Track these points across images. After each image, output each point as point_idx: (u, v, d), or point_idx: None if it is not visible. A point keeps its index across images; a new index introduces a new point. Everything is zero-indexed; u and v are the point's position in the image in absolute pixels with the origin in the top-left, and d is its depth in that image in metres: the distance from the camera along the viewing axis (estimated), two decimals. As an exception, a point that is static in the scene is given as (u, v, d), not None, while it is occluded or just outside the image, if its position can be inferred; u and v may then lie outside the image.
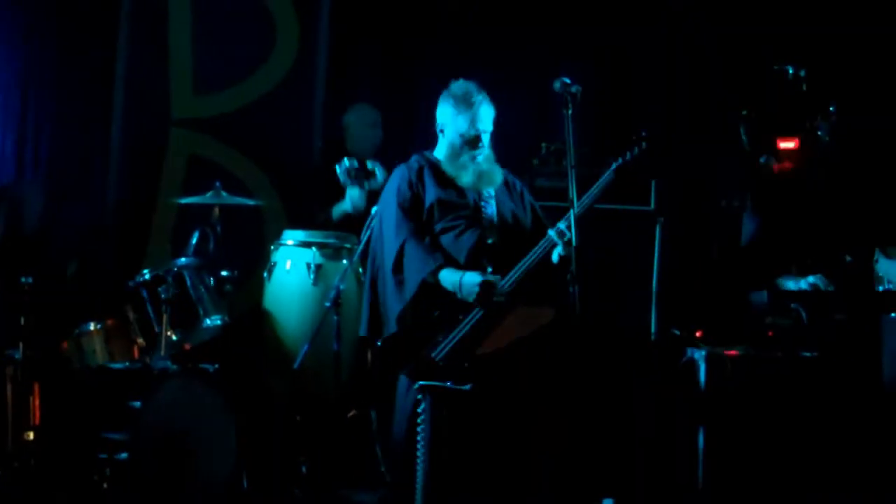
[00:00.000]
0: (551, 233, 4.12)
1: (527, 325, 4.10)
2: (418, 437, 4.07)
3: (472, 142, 4.37)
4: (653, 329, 4.83)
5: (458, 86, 4.48)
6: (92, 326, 5.16)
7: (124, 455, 4.74)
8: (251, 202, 5.74)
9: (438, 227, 4.31)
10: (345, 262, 5.18)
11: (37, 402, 4.79)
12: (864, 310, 4.65)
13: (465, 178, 4.38)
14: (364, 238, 4.72)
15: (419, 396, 4.10)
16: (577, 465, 4.40)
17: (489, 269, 4.18)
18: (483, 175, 4.39)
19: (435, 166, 4.43)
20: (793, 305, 4.59)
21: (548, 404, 4.20)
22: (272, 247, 5.55)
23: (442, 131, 4.47)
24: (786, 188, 5.04)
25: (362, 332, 4.52)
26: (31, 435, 4.78)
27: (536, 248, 4.15)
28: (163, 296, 5.05)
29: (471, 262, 4.22)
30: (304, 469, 5.18)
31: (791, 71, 5.05)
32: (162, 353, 5.06)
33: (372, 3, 6.72)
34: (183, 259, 5.24)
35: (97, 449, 4.76)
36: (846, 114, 5.36)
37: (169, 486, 4.74)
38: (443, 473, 4.09)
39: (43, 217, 6.02)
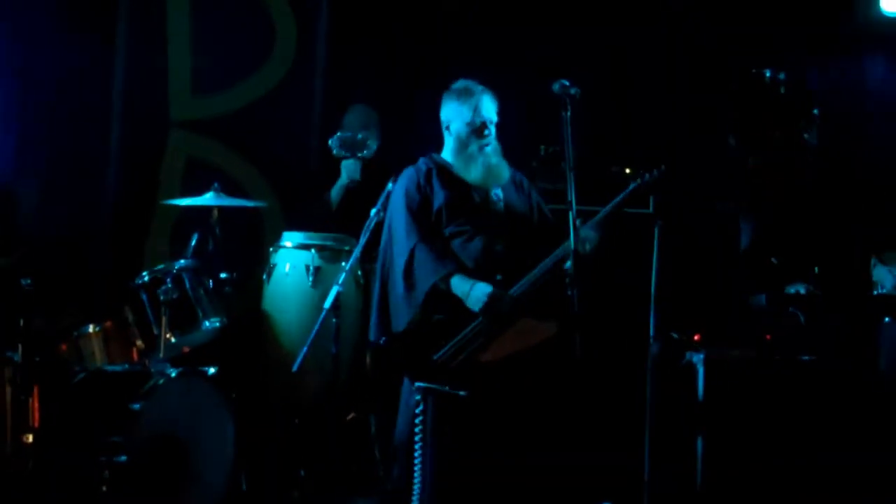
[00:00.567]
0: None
1: (529, 338, 4.10)
2: (416, 439, 4.07)
3: (479, 130, 4.37)
4: (651, 332, 4.83)
5: (459, 83, 4.52)
6: (91, 328, 5.15)
7: (123, 457, 4.73)
8: (250, 204, 5.74)
9: (447, 231, 4.31)
10: (343, 264, 5.17)
11: (35, 405, 4.78)
12: (861, 314, 4.66)
13: (474, 172, 4.37)
14: (363, 239, 4.72)
15: (418, 397, 4.11)
16: (576, 469, 4.41)
17: (498, 277, 4.17)
18: (492, 169, 4.38)
19: (442, 168, 4.43)
20: (790, 309, 4.60)
21: (546, 415, 4.20)
22: (271, 249, 5.55)
23: (447, 128, 4.47)
24: (777, 192, 5.04)
25: (372, 336, 4.52)
26: (30, 437, 4.77)
27: (547, 261, 4.15)
28: (162, 298, 5.04)
29: (479, 268, 4.22)
30: (302, 472, 5.18)
31: (769, 74, 5.05)
32: (161, 355, 5.06)
33: (370, 4, 6.73)
34: (182, 261, 5.24)
35: (96, 451, 4.75)
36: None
37: (167, 489, 4.74)
38: (441, 477, 4.10)
39: (39, 217, 6.03)
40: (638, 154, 5.95)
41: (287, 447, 5.28)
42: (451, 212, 4.33)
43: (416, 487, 4.10)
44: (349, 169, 5.71)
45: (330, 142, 5.68)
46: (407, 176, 4.46)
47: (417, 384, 4.08)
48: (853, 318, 4.62)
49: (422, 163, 4.48)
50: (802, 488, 4.43)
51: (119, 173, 6.42)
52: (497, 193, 4.42)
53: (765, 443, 4.45)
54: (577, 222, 4.05)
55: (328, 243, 5.41)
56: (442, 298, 4.16)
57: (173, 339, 5.09)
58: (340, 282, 4.71)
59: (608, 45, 6.81)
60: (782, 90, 4.95)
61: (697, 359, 4.45)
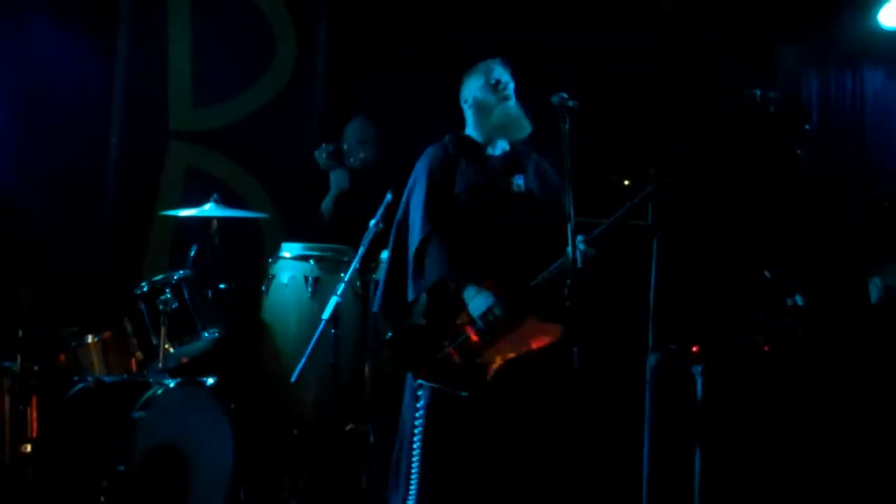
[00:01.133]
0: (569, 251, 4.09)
1: (533, 340, 4.10)
2: (415, 434, 4.08)
3: (495, 86, 4.37)
4: (650, 344, 4.83)
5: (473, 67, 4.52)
6: (90, 339, 5.16)
7: (122, 468, 4.72)
8: (249, 215, 5.75)
9: (465, 216, 4.26)
10: (342, 275, 5.18)
11: (34, 415, 4.78)
12: (859, 324, 4.67)
13: (495, 118, 4.33)
14: (361, 250, 4.72)
15: (419, 393, 4.11)
16: (574, 477, 4.40)
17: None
18: (512, 118, 4.35)
19: (468, 147, 4.39)
20: (788, 321, 4.62)
21: (546, 419, 4.20)
22: (270, 260, 5.56)
23: (467, 102, 4.44)
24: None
25: (375, 307, 4.47)
26: (29, 447, 4.77)
27: (544, 273, 4.15)
28: (161, 308, 5.04)
29: (494, 255, 4.20)
30: (301, 483, 5.18)
31: (759, 93, 5.06)
32: (160, 365, 5.06)
33: (370, 13, 6.75)
34: (181, 271, 5.24)
35: (94, 462, 4.75)
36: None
37: (166, 499, 4.73)
38: (438, 478, 4.11)
39: (38, 227, 6.03)
40: (638, 163, 5.96)
41: (286, 458, 5.27)
42: (471, 196, 4.28)
43: (412, 490, 4.10)
44: (338, 179, 5.74)
45: (315, 154, 5.71)
46: (431, 155, 4.39)
47: (419, 381, 4.09)
48: (848, 328, 4.63)
49: (448, 141, 4.43)
50: (799, 496, 4.43)
51: (119, 184, 6.43)
52: (519, 182, 4.38)
53: (763, 453, 4.45)
54: (579, 238, 4.05)
55: (327, 254, 5.42)
56: (447, 292, 4.17)
57: (172, 350, 5.09)
58: (339, 293, 4.72)
59: (609, 45, 6.86)
60: (772, 108, 4.96)
61: (696, 370, 4.44)
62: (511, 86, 4.41)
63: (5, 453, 4.76)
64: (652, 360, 4.80)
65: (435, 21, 6.75)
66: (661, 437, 4.69)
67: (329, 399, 5.03)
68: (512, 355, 4.08)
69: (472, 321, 4.13)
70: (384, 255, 4.91)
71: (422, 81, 6.66)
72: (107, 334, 5.18)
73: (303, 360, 4.67)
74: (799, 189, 4.98)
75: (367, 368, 5.13)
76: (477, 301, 4.13)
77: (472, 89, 4.46)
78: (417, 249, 4.17)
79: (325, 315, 4.72)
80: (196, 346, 5.23)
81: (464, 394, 4.04)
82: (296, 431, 5.31)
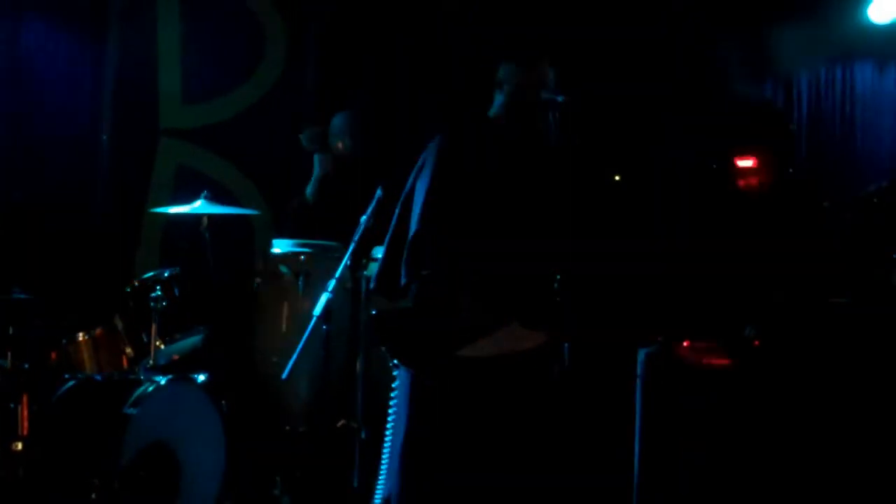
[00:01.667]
0: None
1: (516, 343, 4.10)
2: (388, 415, 4.08)
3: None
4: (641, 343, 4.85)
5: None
6: (80, 336, 5.15)
7: (113, 465, 4.72)
8: (240, 211, 5.75)
9: (467, 210, 4.23)
10: (334, 271, 5.18)
11: (25, 413, 4.76)
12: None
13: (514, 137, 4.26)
14: (352, 245, 4.71)
15: (395, 373, 4.11)
16: (563, 484, 4.42)
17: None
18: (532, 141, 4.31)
19: (492, 125, 4.31)
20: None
21: (531, 428, 4.20)
22: (260, 256, 5.55)
23: (499, 85, 4.36)
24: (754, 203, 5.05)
25: (372, 285, 4.44)
26: (20, 445, 4.75)
27: None
28: (151, 305, 5.04)
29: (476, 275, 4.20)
30: (292, 479, 5.18)
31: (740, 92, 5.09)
32: (151, 362, 5.06)
33: (362, 10, 6.75)
34: (171, 268, 5.24)
35: (86, 459, 4.74)
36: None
37: (157, 497, 4.73)
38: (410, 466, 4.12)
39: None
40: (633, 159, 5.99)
41: (277, 454, 5.27)
42: (477, 191, 4.21)
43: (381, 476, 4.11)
44: (321, 162, 5.78)
45: (301, 137, 5.75)
46: (451, 138, 4.25)
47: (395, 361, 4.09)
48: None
49: (465, 126, 4.34)
50: (792, 493, 4.44)
51: (109, 181, 6.43)
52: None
53: (754, 452, 4.45)
54: None
55: (318, 251, 5.41)
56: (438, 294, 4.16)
57: (163, 347, 5.09)
58: (330, 289, 4.70)
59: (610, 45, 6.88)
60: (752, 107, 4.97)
61: (685, 367, 4.45)
62: None
63: (-4, 451, 4.76)
64: (642, 355, 4.81)
65: (434, 21, 6.78)
66: (652, 433, 4.70)
67: (320, 395, 5.03)
68: (493, 354, 4.08)
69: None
70: (376, 251, 4.91)
71: (418, 79, 6.69)
72: (98, 332, 5.18)
73: (294, 357, 4.65)
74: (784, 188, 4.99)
75: (358, 364, 5.11)
76: None
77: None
78: (413, 241, 4.14)
79: (317, 311, 4.70)
80: (187, 343, 5.24)
81: (429, 382, 4.05)
82: (287, 428, 5.31)
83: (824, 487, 4.47)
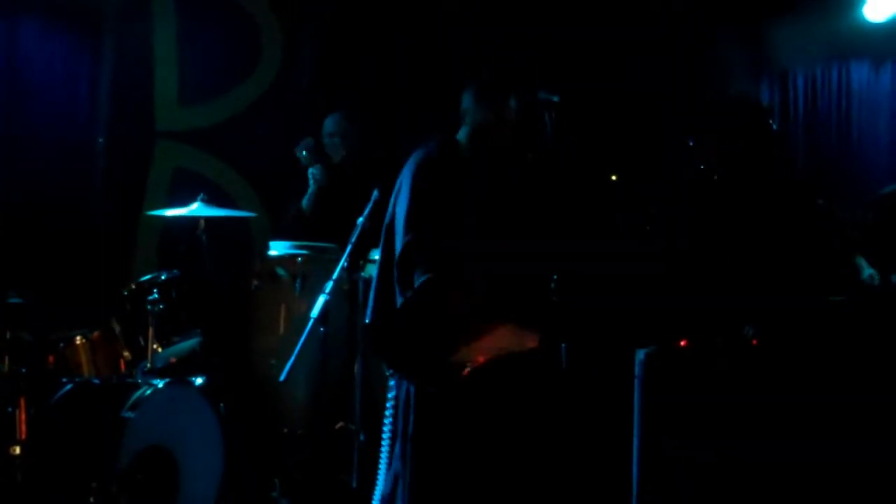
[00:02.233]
0: None
1: (510, 344, 4.10)
2: (384, 425, 4.10)
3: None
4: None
5: (487, 75, 4.46)
6: (78, 340, 5.14)
7: (111, 469, 4.71)
8: (237, 214, 5.74)
9: (446, 232, 4.26)
10: (331, 273, 5.17)
11: (23, 417, 4.76)
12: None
13: (480, 171, 4.31)
14: (349, 247, 4.71)
15: (391, 383, 4.12)
16: (562, 481, 4.41)
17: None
18: (498, 171, 4.34)
19: (458, 151, 4.34)
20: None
21: (529, 427, 4.21)
22: (258, 258, 5.55)
23: (463, 115, 4.40)
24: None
25: (368, 319, 4.47)
26: (17, 449, 4.75)
27: None
28: (149, 308, 5.03)
29: (469, 275, 4.22)
30: (291, 481, 5.18)
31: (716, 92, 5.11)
32: (148, 365, 5.05)
33: (360, 11, 6.76)
34: (169, 271, 5.23)
35: (84, 463, 4.74)
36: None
37: (155, 500, 4.73)
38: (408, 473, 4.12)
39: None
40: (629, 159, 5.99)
41: (275, 456, 5.27)
42: (455, 206, 4.25)
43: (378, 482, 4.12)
44: (316, 176, 5.77)
45: (296, 150, 5.75)
46: (419, 159, 4.29)
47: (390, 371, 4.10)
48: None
49: (435, 145, 4.36)
50: (791, 491, 4.44)
51: (106, 184, 6.43)
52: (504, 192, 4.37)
53: (758, 454, 4.44)
54: None
55: (315, 252, 5.41)
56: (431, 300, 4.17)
57: (160, 350, 5.08)
58: (328, 291, 4.71)
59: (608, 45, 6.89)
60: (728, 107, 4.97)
61: (683, 366, 4.45)
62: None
63: (-6, 455, 4.75)
64: (641, 355, 4.80)
65: (435, 21, 6.79)
66: (651, 433, 4.70)
67: (318, 397, 5.02)
68: (488, 357, 4.08)
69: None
70: (373, 253, 4.91)
71: (417, 79, 6.70)
72: (95, 335, 5.17)
73: (292, 359, 4.65)
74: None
75: (356, 366, 5.11)
76: None
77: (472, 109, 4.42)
78: (402, 253, 4.16)
79: (314, 313, 4.70)
80: (184, 346, 5.23)
81: (430, 390, 4.05)
82: (285, 430, 5.30)
83: (824, 487, 4.47)
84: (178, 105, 6.62)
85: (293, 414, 5.31)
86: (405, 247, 4.11)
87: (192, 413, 4.88)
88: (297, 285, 5.28)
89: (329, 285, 4.75)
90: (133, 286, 5.14)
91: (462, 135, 4.35)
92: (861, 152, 6.78)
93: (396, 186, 4.31)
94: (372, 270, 4.78)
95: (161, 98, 6.60)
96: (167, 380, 4.91)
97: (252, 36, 6.68)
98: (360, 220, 4.68)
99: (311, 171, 5.81)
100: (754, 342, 4.65)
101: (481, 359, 4.06)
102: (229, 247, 5.99)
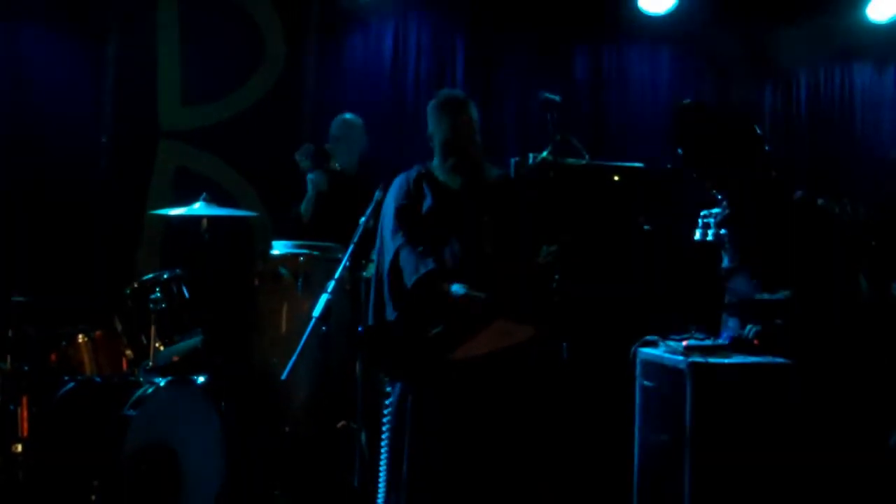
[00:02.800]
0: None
1: (505, 339, 4.13)
2: (383, 431, 4.11)
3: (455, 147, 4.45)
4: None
5: (442, 94, 4.59)
6: (80, 338, 5.15)
7: (113, 467, 4.72)
8: (239, 213, 5.75)
9: (432, 235, 4.36)
10: (333, 272, 5.17)
11: (25, 415, 4.77)
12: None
13: (456, 183, 4.44)
14: (351, 247, 4.72)
15: (388, 389, 4.15)
16: (562, 476, 4.42)
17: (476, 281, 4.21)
18: (472, 178, 4.44)
19: (431, 174, 4.49)
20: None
21: (520, 419, 4.22)
22: (260, 257, 5.55)
23: (431, 139, 4.55)
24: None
25: (361, 329, 4.52)
26: (20, 447, 4.76)
27: None
28: (151, 307, 5.04)
29: (463, 271, 4.26)
30: (292, 480, 5.18)
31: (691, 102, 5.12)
32: (150, 364, 5.05)
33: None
34: (171, 270, 5.24)
35: (85, 461, 4.74)
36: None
37: (157, 498, 4.73)
38: (409, 476, 4.13)
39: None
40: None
41: (277, 455, 5.27)
42: (436, 217, 4.38)
43: (381, 487, 4.14)
44: (316, 182, 5.75)
45: (296, 156, 5.75)
46: (398, 181, 4.55)
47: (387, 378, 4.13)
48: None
49: (414, 169, 4.57)
50: (789, 494, 4.43)
51: (109, 183, 6.43)
52: (482, 200, 4.45)
53: (756, 452, 4.43)
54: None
55: (317, 252, 5.41)
56: (424, 297, 4.21)
57: (162, 349, 5.08)
58: (330, 290, 4.70)
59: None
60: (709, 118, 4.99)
61: (684, 365, 4.44)
62: (471, 139, 4.52)
63: (-4, 453, 4.76)
64: (641, 355, 4.80)
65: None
66: (650, 431, 4.70)
67: (320, 396, 5.02)
68: (483, 352, 4.10)
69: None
70: (374, 252, 4.91)
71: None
72: (97, 333, 5.18)
73: (293, 358, 4.65)
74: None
75: (357, 365, 5.11)
76: (456, 286, 4.19)
77: (436, 129, 4.55)
78: (391, 262, 4.29)
79: (316, 312, 4.69)
80: (186, 345, 5.23)
81: (430, 390, 4.08)
82: (287, 429, 5.30)
83: (824, 487, 4.47)
84: (181, 105, 6.63)
85: (295, 413, 5.31)
86: (395, 254, 4.22)
87: (194, 412, 4.89)
88: (298, 284, 5.28)
89: (331, 285, 4.75)
90: (135, 285, 5.14)
91: (435, 156, 4.46)
92: (864, 152, 6.80)
93: (382, 213, 4.45)
94: (373, 270, 4.81)
95: (164, 98, 6.61)
96: (169, 378, 4.92)
97: (255, 36, 6.69)
98: (363, 219, 4.69)
99: (309, 176, 5.79)
100: (755, 342, 4.65)
101: (477, 354, 4.08)
102: (231, 246, 6.00)
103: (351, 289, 5.38)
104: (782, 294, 4.67)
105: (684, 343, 4.60)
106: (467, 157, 4.43)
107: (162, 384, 4.84)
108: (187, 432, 4.83)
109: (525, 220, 4.52)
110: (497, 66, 6.99)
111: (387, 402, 4.20)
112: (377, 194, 4.69)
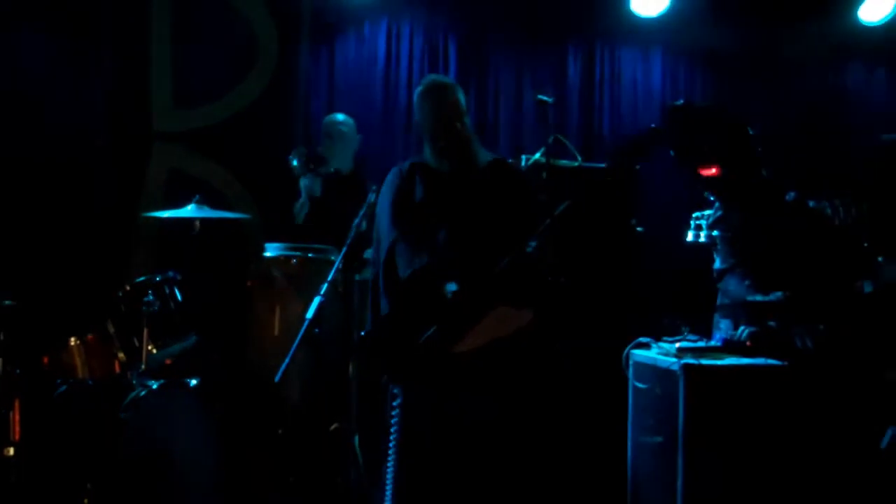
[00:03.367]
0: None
1: (505, 326, 4.13)
2: (391, 435, 4.11)
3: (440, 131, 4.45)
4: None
5: (426, 79, 4.58)
6: (72, 341, 5.14)
7: (105, 470, 4.72)
8: (232, 215, 5.74)
9: (425, 226, 4.34)
10: (326, 274, 5.17)
11: (17, 418, 4.76)
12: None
13: (444, 167, 4.43)
14: (345, 249, 4.72)
15: (395, 391, 4.15)
16: (557, 473, 4.42)
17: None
18: (461, 161, 4.43)
19: (424, 166, 4.48)
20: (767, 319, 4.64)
21: (523, 408, 4.23)
22: (253, 259, 5.55)
23: (419, 127, 4.54)
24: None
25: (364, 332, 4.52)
26: (11, 451, 4.75)
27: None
28: (143, 309, 5.03)
29: (455, 259, 4.25)
30: (286, 483, 5.18)
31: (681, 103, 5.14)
32: (143, 367, 5.05)
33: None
34: (164, 273, 5.23)
35: (78, 464, 4.74)
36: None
37: (151, 501, 4.73)
38: (416, 478, 4.14)
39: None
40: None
41: (270, 458, 5.27)
42: (427, 208, 4.37)
43: (388, 481, 4.14)
44: (308, 187, 5.75)
45: (289, 158, 5.74)
46: (390, 174, 4.55)
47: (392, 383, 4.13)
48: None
49: (406, 162, 4.57)
50: (782, 495, 4.44)
51: (102, 185, 6.42)
52: (474, 188, 4.44)
53: (749, 454, 4.44)
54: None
55: (310, 254, 5.41)
56: (417, 292, 4.21)
57: (155, 351, 5.08)
58: (322, 292, 4.70)
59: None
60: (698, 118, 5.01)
61: (677, 366, 4.44)
62: (460, 122, 4.51)
63: (-12, 457, 4.75)
64: (636, 356, 4.81)
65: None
66: (643, 433, 4.71)
67: (313, 399, 5.02)
68: (484, 341, 4.10)
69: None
70: (368, 253, 4.92)
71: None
72: (90, 336, 5.16)
73: (286, 360, 4.64)
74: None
75: (350, 367, 5.11)
76: (450, 284, 4.20)
77: (419, 116, 4.56)
78: (386, 258, 4.27)
79: (309, 315, 4.70)
80: (179, 348, 5.22)
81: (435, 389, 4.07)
82: (280, 431, 5.30)
83: (816, 489, 4.48)
84: (174, 107, 6.63)
85: (288, 415, 5.31)
86: (390, 249, 4.21)
87: (187, 414, 4.89)
88: (291, 287, 5.27)
89: (324, 287, 4.75)
90: (128, 287, 5.14)
91: (425, 147, 4.46)
92: (855, 151, 6.83)
93: (377, 211, 4.45)
94: (367, 273, 4.81)
95: (157, 99, 6.61)
96: (162, 381, 4.92)
97: (248, 38, 6.69)
98: (355, 222, 4.69)
99: (302, 181, 5.77)
100: (748, 344, 4.66)
101: (478, 344, 4.08)
102: (224, 248, 6.00)
103: (344, 291, 5.37)
104: (775, 296, 4.68)
105: (677, 345, 4.62)
106: (454, 140, 4.40)
107: (155, 387, 4.84)
108: (180, 435, 4.83)
109: (521, 204, 4.48)
110: (490, 69, 7.01)
111: (394, 402, 4.17)
112: (370, 196, 4.69)
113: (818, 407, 4.49)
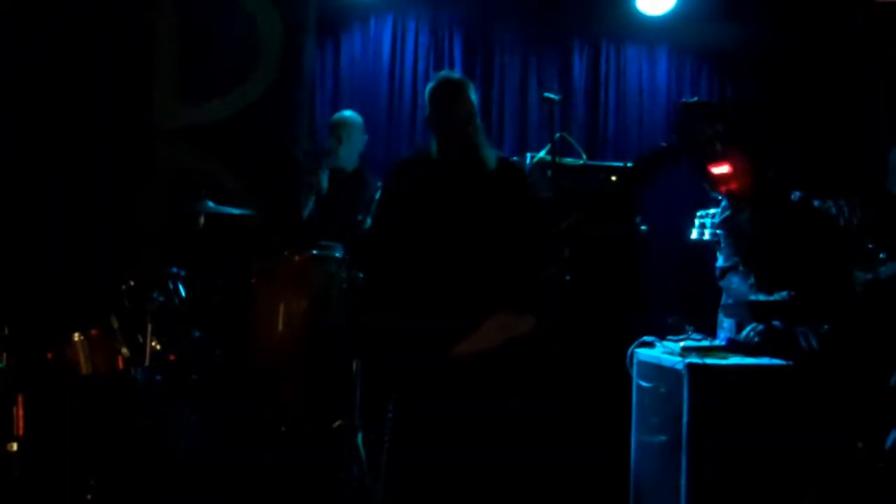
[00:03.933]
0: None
1: (506, 331, 4.12)
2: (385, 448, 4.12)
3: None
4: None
5: (439, 76, 4.55)
6: (76, 336, 5.14)
7: (109, 467, 4.72)
8: (237, 212, 5.75)
9: (422, 222, 4.32)
10: (332, 269, 5.18)
11: (20, 413, 4.77)
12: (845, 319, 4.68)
13: (453, 169, 4.40)
14: (351, 245, 4.73)
15: (389, 406, 4.15)
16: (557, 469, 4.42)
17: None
18: (470, 164, 4.41)
19: (429, 160, 4.44)
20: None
21: (522, 412, 4.23)
22: (258, 255, 5.55)
23: (428, 123, 4.50)
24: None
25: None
26: (15, 446, 4.76)
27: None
28: (147, 305, 5.04)
29: (450, 258, 4.25)
30: (289, 480, 5.17)
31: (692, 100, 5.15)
32: (147, 363, 5.06)
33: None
34: (168, 269, 5.24)
35: (81, 460, 4.74)
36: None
37: (154, 498, 4.73)
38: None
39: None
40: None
41: (274, 454, 5.26)
42: (428, 204, 4.34)
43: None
44: (313, 183, 5.75)
45: (295, 153, 5.74)
46: (395, 167, 4.54)
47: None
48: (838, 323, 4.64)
49: (412, 155, 4.55)
50: (787, 495, 4.44)
51: (106, 180, 6.42)
52: (479, 186, 4.42)
53: (755, 454, 4.44)
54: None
55: (316, 250, 5.41)
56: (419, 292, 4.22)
57: (159, 347, 5.09)
58: (327, 289, 4.72)
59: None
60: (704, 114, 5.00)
61: (682, 366, 4.44)
62: (469, 118, 4.48)
63: (-8, 452, 4.76)
64: (639, 355, 4.81)
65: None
66: (647, 432, 4.70)
67: (317, 395, 5.02)
68: (486, 346, 4.09)
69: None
70: None
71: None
72: (93, 332, 5.16)
73: (291, 358, 4.66)
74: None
75: (355, 364, 5.12)
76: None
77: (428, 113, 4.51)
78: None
79: (314, 312, 4.71)
80: (183, 344, 5.23)
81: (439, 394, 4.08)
82: (283, 428, 5.29)
83: (821, 488, 4.47)
84: (179, 103, 6.63)
85: (292, 412, 5.30)
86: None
87: (191, 410, 4.89)
88: (297, 283, 5.28)
89: (329, 284, 4.76)
90: (132, 283, 5.15)
91: (433, 142, 4.44)
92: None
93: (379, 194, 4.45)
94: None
95: (162, 96, 6.60)
96: (165, 377, 4.92)
97: (253, 35, 6.68)
98: (360, 216, 4.69)
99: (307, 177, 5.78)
100: (755, 341, 4.66)
101: (479, 349, 4.08)
102: (228, 244, 5.99)
103: (348, 288, 5.37)
104: (779, 295, 4.68)
105: (681, 344, 4.62)
106: (465, 143, 4.37)
107: (158, 382, 4.84)
108: (184, 431, 4.83)
109: (528, 208, 4.46)
110: (495, 66, 7.00)
111: (388, 416, 4.17)
112: (377, 195, 4.69)
113: (823, 407, 4.48)
